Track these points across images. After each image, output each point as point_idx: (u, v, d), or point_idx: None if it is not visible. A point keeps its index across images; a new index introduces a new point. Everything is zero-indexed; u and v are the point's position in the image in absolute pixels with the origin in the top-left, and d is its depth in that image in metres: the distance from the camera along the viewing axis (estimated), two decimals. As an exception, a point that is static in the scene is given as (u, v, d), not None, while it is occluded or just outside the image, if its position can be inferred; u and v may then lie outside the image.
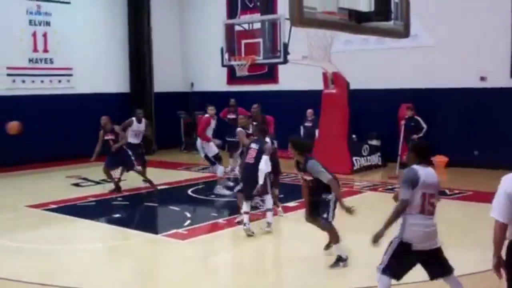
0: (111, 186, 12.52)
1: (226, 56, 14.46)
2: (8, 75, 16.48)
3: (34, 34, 17.01)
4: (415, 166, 5.53)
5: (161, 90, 19.62)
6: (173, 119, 19.93)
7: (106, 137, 12.25)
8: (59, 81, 17.62)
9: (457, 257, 7.95)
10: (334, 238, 7.41)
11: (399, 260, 5.50)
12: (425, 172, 5.48)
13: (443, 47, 15.11)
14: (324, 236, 7.83)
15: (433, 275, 5.69)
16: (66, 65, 17.63)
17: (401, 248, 5.49)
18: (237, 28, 15.05)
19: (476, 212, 10.49)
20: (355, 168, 14.91)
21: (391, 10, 7.36)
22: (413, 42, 14.45)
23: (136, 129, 13.21)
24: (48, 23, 17.28)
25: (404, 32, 8.60)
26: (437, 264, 5.63)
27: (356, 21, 6.98)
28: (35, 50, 17.06)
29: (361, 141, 15.63)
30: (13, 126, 13.01)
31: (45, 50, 17.24)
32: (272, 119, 12.58)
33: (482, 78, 14.81)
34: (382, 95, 15.81)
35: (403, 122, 14.26)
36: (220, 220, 10.29)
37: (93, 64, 18.19)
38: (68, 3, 17.74)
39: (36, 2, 17.01)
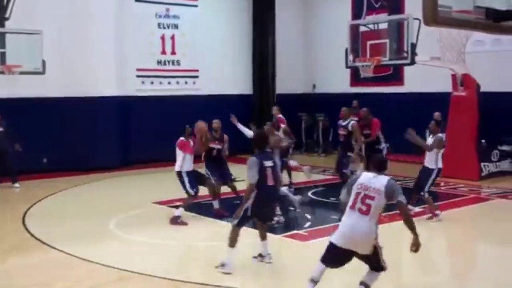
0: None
1: (350, 57, 14.26)
2: (138, 76, 17.25)
3: (162, 37, 17.67)
4: None
5: (283, 92, 19.71)
6: (295, 121, 19.95)
7: (213, 145, 11.05)
8: (186, 83, 18.20)
9: None
10: None
11: None
12: None
13: None
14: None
15: None
16: (192, 67, 18.18)
17: None
18: (362, 28, 14.81)
19: None
20: (483, 174, 14.23)
21: (532, 7, 6.86)
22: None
23: None
24: (176, 26, 17.88)
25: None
26: None
27: (493, 20, 6.55)
28: (163, 52, 17.71)
29: (491, 146, 14.85)
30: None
31: (173, 53, 17.86)
32: (378, 122, 13.00)
33: None
34: (515, 98, 14.96)
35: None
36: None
37: (218, 66, 18.62)
38: (196, 6, 18.25)
39: (165, 6, 17.65)
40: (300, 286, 6.90)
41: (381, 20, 15.07)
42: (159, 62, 17.62)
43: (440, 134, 10.34)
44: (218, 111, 13.31)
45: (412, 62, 13.10)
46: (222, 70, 18.73)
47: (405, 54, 13.21)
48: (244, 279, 7.31)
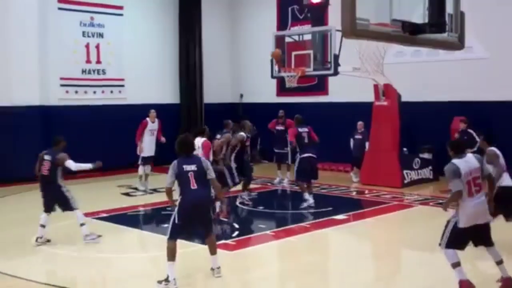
0: None
1: (276, 67, 14.47)
2: (62, 85, 16.86)
3: (87, 46, 17.38)
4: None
5: (211, 101, 19.75)
6: (222, 130, 19.99)
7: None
8: (111, 92, 17.94)
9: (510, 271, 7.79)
10: None
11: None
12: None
13: (497, 60, 14.76)
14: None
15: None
16: (118, 76, 17.96)
17: None
18: (287, 39, 15.05)
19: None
20: (405, 181, 14.66)
21: (445, 21, 7.21)
22: (466, 54, 14.14)
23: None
24: (101, 35, 17.62)
25: (458, 44, 8.42)
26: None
27: (409, 33, 6.85)
28: (88, 61, 17.41)
29: (412, 154, 15.36)
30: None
31: (98, 61, 17.58)
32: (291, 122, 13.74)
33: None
34: (434, 107, 15.53)
35: (456, 135, 13.94)
36: (268, 232, 10.26)
37: (145, 75, 18.47)
38: (121, 15, 18.07)
39: (90, 14, 17.39)
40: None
41: (305, 32, 15.34)
42: (83, 71, 17.30)
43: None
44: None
45: (335, 73, 13.42)
46: (148, 79, 18.59)
47: (328, 65, 13.52)
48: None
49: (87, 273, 7.96)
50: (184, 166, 7.27)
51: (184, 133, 10.25)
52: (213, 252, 7.58)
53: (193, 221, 7.44)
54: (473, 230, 6.60)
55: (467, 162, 6.65)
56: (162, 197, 12.94)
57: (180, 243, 8.65)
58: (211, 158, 10.72)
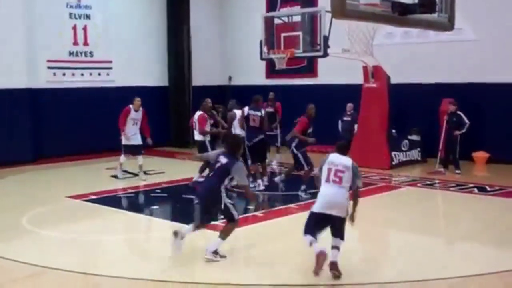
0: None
1: (265, 49, 14.38)
2: (49, 68, 16.71)
3: (74, 28, 17.21)
4: None
5: (200, 84, 19.67)
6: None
7: None
8: (99, 74, 17.81)
9: (495, 254, 7.88)
10: None
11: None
12: None
13: (487, 41, 14.81)
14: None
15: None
16: (105, 58, 17.81)
17: None
18: (276, 21, 14.96)
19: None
20: (394, 163, 14.73)
21: (435, 2, 7.20)
22: (456, 36, 14.18)
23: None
24: (88, 16, 17.44)
25: (448, 25, 8.42)
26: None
27: (399, 13, 6.84)
28: (75, 43, 17.25)
29: (401, 136, 15.41)
30: None
31: (85, 43, 17.43)
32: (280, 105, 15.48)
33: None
34: (424, 89, 15.58)
35: (445, 117, 13.99)
36: (257, 213, 10.29)
37: (133, 57, 18.36)
38: (108, -4, 17.93)
39: (76, -4, 17.22)
40: (213, 274, 7.00)
41: (295, 13, 15.24)
42: (71, 53, 17.14)
43: None
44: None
45: (325, 55, 13.35)
46: (136, 62, 18.48)
47: (318, 47, 13.46)
48: (157, 267, 7.28)
49: (76, 255, 7.94)
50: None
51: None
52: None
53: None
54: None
55: (340, 158, 7.11)
56: (152, 179, 13.03)
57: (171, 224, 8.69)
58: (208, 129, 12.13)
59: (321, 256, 6.61)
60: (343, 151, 7.27)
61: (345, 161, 7.05)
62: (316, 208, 6.92)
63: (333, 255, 6.77)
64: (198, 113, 12.33)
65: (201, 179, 12.12)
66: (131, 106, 12.97)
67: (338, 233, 6.87)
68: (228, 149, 7.77)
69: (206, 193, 7.66)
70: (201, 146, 12.14)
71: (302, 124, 11.42)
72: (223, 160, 7.59)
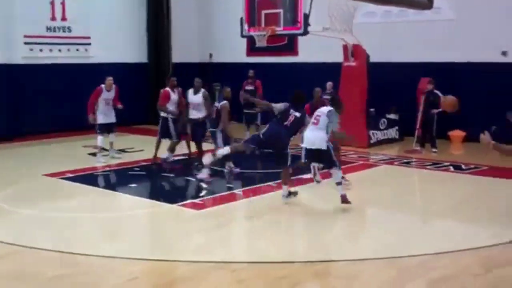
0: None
1: (245, 26, 14.31)
2: (26, 43, 16.45)
3: (52, 2, 16.94)
4: None
5: (180, 61, 19.55)
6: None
7: None
8: (77, 50, 17.60)
9: (469, 231, 8.02)
10: None
11: None
12: None
13: (465, 21, 14.88)
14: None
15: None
16: (84, 34, 17.58)
17: None
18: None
19: (490, 187, 10.51)
20: (372, 141, 14.84)
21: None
22: (435, 15, 14.28)
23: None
24: (66, -10, 17.20)
25: (427, 3, 8.43)
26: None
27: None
28: (53, 18, 17.01)
29: (379, 115, 15.49)
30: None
31: (63, 19, 17.18)
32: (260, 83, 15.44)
33: (504, 53, 14.58)
34: (402, 68, 15.63)
35: (423, 96, 14.07)
36: (236, 191, 10.33)
37: (112, 34, 18.13)
38: (87, -30, 17.65)
39: (54, -31, 16.93)
40: (191, 253, 7.04)
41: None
42: (48, 29, 16.90)
43: None
44: (114, 80, 13.04)
45: (305, 33, 13.34)
46: (115, 38, 18.26)
47: (298, 25, 13.43)
48: (134, 245, 7.31)
49: (53, 234, 7.92)
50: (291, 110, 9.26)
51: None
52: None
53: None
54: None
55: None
56: (129, 157, 12.99)
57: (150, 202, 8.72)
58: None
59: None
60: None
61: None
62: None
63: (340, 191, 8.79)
64: (163, 89, 12.55)
65: (172, 158, 12.22)
66: (103, 86, 12.71)
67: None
68: (295, 103, 9.31)
69: (279, 139, 9.17)
70: (162, 123, 12.36)
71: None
72: (296, 114, 9.19)
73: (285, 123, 9.20)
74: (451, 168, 12.07)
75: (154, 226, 8.65)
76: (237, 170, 11.61)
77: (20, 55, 16.27)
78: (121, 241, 7.71)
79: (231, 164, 11.58)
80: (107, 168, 12.08)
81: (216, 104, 11.51)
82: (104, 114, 12.72)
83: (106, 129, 12.83)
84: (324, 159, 9.04)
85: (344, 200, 8.77)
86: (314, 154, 9.05)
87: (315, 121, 8.99)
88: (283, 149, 9.25)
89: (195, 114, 12.16)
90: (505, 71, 14.46)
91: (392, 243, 7.41)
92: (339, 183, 8.92)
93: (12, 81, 15.90)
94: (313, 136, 8.94)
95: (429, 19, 14.75)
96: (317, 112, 9.12)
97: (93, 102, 12.63)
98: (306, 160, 9.37)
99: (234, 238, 8.02)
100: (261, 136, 9.38)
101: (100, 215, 8.94)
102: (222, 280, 6.12)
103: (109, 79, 12.74)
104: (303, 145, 9.14)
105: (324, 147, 8.82)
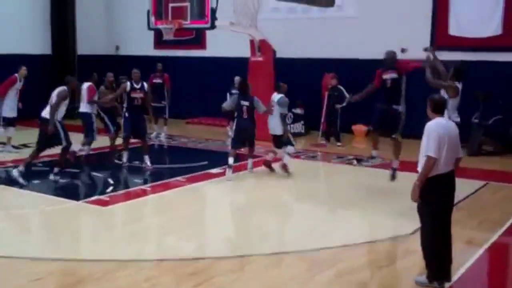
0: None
1: (152, 19, 14.24)
2: None
3: None
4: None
5: (85, 53, 19.12)
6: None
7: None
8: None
9: (374, 223, 8.38)
10: None
11: None
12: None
13: (366, 18, 15.44)
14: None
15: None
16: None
17: None
18: (164, -10, 14.83)
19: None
20: (279, 135, 15.08)
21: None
22: (338, 12, 14.74)
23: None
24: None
25: (329, 2, 8.71)
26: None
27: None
28: None
29: (286, 109, 15.77)
30: None
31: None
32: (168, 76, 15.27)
33: (403, 50, 15.21)
34: (307, 64, 16.02)
35: (327, 91, 14.50)
36: (144, 187, 10.30)
37: (14, 24, 17.46)
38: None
39: None
40: (100, 251, 6.99)
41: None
42: None
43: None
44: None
45: (212, 27, 13.45)
46: (18, 29, 17.60)
47: (205, 18, 13.51)
48: (38, 245, 7.17)
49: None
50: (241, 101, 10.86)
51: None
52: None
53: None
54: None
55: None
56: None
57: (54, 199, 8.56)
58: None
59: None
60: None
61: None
62: None
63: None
64: (87, 84, 12.00)
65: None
66: (17, 75, 12.41)
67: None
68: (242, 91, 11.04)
69: (252, 130, 10.95)
70: (87, 118, 11.93)
71: None
72: (246, 102, 10.76)
73: (244, 116, 10.78)
74: (355, 162, 12.49)
75: (59, 224, 8.47)
76: (150, 166, 11.59)
77: None
78: (24, 240, 7.54)
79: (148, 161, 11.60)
80: (8, 164, 11.61)
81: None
82: (11, 107, 12.42)
83: (9, 123, 12.41)
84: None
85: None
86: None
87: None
88: (253, 138, 11.10)
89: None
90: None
91: (302, 237, 7.64)
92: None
93: None
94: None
95: (332, 17, 15.20)
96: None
97: (5, 92, 12.32)
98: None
99: (142, 235, 8.01)
100: (233, 136, 11.08)
101: (5, 213, 8.68)
102: (130, 279, 6.11)
103: (24, 69, 12.45)
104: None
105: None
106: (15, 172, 10.18)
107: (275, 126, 10.99)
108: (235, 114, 11.13)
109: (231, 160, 10.65)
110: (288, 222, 8.62)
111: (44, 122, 10.11)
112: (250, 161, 11.41)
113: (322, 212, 9.07)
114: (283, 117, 11.01)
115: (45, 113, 10.18)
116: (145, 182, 10.77)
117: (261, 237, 7.87)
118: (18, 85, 12.51)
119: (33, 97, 13.09)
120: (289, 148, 11.09)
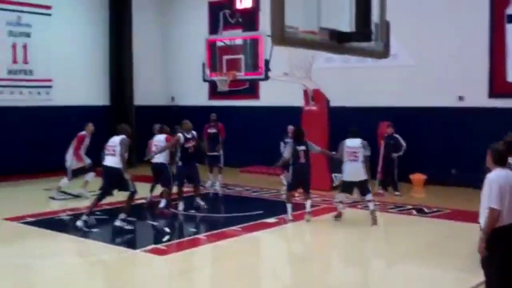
0: None
1: (207, 71, 14.50)
2: (-13, 86, 16.35)
3: (14, 46, 16.91)
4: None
5: (142, 104, 19.58)
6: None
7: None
8: (38, 93, 17.51)
9: (434, 275, 8.11)
10: None
11: None
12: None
13: (422, 67, 15.33)
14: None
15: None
16: (45, 77, 17.53)
17: None
18: (219, 43, 15.11)
19: (453, 230, 10.61)
20: (334, 184, 14.94)
21: (371, 31, 7.41)
22: (393, 61, 14.56)
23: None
24: (28, 35, 17.18)
25: (384, 53, 8.64)
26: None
27: (336, 41, 7.01)
28: (15, 61, 16.95)
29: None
30: None
31: (25, 62, 17.14)
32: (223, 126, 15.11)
33: (460, 98, 15.02)
34: (362, 112, 15.94)
35: (383, 140, 14.35)
36: (200, 236, 10.29)
37: (74, 77, 18.11)
38: (49, 15, 17.66)
39: (16, 13, 16.93)
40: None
41: (236, 36, 15.45)
42: (10, 72, 16.82)
43: None
44: (73, 122, 13.05)
45: (266, 78, 13.58)
46: (77, 81, 18.24)
47: (259, 70, 13.67)
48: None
49: (9, 279, 7.74)
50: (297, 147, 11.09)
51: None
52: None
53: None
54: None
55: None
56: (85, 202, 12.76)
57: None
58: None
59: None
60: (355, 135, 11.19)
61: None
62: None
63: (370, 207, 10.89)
64: (163, 136, 12.46)
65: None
66: (85, 132, 13.18)
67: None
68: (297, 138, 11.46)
69: (308, 172, 11.31)
70: (163, 168, 12.20)
71: None
72: (302, 147, 11.20)
73: (301, 161, 10.91)
74: (414, 212, 12.22)
75: (116, 273, 8.52)
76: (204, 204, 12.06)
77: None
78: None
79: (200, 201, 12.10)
80: (68, 212, 11.84)
81: None
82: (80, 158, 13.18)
83: (82, 173, 13.19)
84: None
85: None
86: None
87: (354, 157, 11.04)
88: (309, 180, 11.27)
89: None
90: (462, 115, 14.89)
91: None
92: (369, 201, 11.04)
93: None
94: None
95: (387, 65, 15.07)
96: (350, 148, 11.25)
97: (79, 152, 13.11)
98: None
99: (200, 284, 7.95)
100: (291, 180, 11.25)
101: (61, 261, 8.79)
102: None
103: (91, 125, 13.27)
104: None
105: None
106: (79, 223, 10.38)
107: (358, 171, 10.96)
108: (291, 161, 11.09)
109: (289, 207, 11.10)
110: (345, 275, 8.41)
111: (109, 170, 10.31)
112: (308, 204, 11.24)
113: (380, 264, 8.86)
114: (367, 160, 11.15)
115: (109, 162, 10.37)
116: (201, 231, 10.77)
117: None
118: (87, 141, 13.19)
119: (92, 147, 13.44)
120: (369, 196, 11.07)
